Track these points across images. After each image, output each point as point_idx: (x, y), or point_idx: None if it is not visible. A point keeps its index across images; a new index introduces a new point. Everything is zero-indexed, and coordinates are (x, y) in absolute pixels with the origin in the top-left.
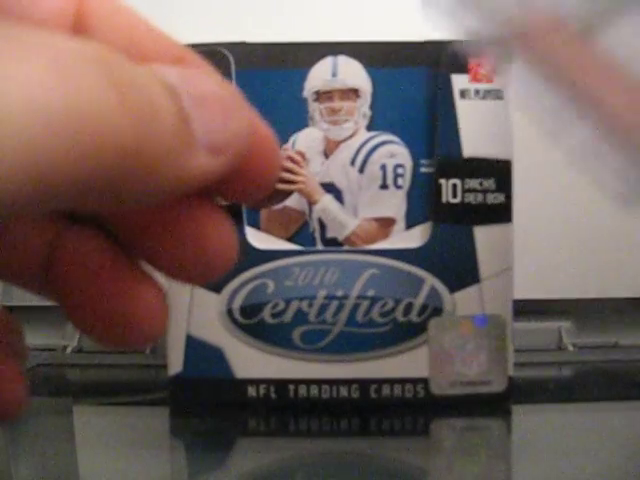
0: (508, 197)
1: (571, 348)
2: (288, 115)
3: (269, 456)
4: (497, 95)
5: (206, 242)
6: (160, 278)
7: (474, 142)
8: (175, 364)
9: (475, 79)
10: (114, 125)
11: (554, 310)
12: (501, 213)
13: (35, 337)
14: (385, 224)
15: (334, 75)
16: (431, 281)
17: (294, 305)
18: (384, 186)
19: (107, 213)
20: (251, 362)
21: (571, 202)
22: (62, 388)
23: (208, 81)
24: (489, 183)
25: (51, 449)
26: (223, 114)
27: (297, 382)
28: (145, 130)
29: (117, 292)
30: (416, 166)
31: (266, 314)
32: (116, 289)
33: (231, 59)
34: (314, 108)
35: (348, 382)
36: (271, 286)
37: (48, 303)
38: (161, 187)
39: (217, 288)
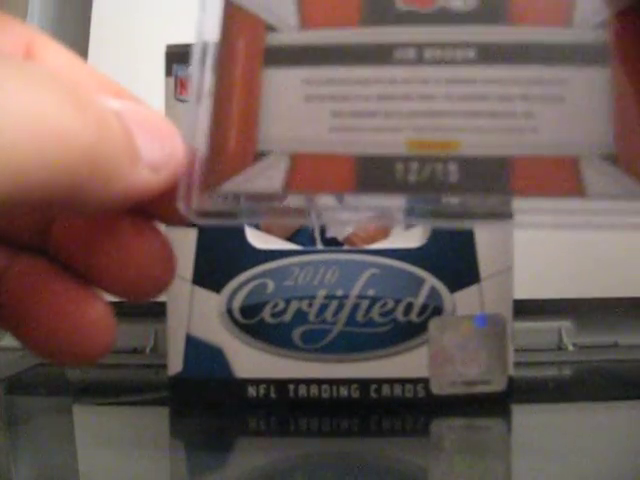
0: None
1: (571, 348)
2: None
3: (269, 456)
4: None
5: (140, 257)
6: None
7: None
8: (175, 364)
9: None
10: (76, 133)
11: (554, 310)
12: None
13: None
14: None
15: None
16: (431, 281)
17: (294, 305)
18: None
19: (59, 229)
20: (251, 362)
21: None
22: (62, 388)
23: (146, 110)
24: None
25: (51, 449)
26: (161, 137)
27: (297, 382)
28: (101, 138)
29: (64, 312)
30: None
31: (266, 314)
32: (63, 309)
33: None
34: None
35: (348, 382)
36: (271, 286)
37: None
38: (112, 195)
39: (217, 288)
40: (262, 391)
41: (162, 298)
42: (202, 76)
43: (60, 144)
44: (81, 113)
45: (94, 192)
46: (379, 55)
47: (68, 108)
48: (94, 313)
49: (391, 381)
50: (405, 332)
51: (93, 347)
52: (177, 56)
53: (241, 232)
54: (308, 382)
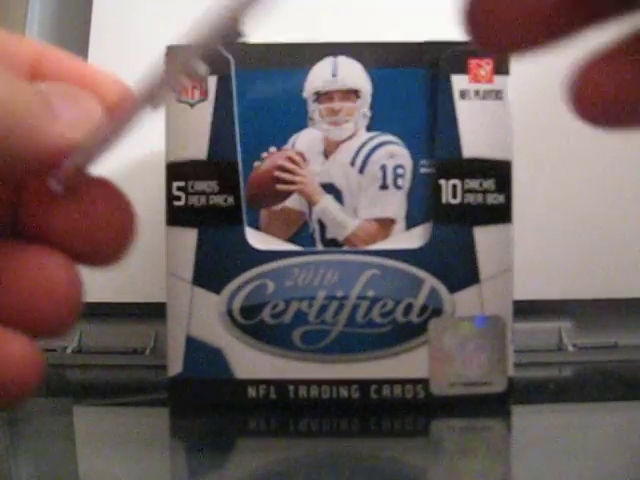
0: (508, 197)
1: (571, 348)
2: (288, 115)
3: (269, 457)
4: (497, 95)
5: (99, 213)
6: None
7: (474, 143)
8: (175, 364)
9: (475, 79)
10: None
11: (554, 310)
12: (501, 213)
13: None
14: (385, 224)
15: (334, 76)
16: (431, 281)
17: (294, 306)
18: (384, 186)
19: None
20: (251, 362)
21: (571, 202)
22: (62, 388)
23: (68, 86)
24: (489, 184)
25: (51, 449)
26: (77, 100)
27: (297, 382)
28: (15, 93)
29: None
30: (416, 166)
31: (266, 315)
32: None
33: (231, 59)
34: (314, 109)
35: (348, 382)
36: (271, 287)
37: None
38: (36, 148)
39: (217, 289)
40: (262, 392)
41: (162, 299)
42: None
43: None
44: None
45: (18, 145)
46: None
47: None
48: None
49: (391, 382)
50: (405, 333)
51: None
52: None
53: (241, 232)
54: (308, 383)
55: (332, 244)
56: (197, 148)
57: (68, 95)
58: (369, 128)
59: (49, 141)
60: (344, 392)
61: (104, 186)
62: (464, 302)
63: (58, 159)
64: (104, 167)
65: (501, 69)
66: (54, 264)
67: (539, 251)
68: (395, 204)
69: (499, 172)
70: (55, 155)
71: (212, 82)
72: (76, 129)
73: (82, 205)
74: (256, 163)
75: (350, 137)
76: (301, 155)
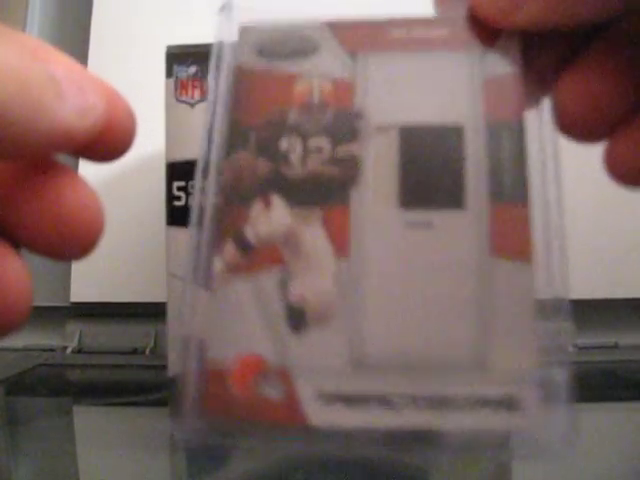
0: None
1: (571, 348)
2: None
3: (269, 455)
4: None
5: (65, 205)
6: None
7: None
8: (175, 365)
9: None
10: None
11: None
12: None
13: (35, 337)
14: None
15: None
16: None
17: None
18: None
19: None
20: None
21: (571, 202)
22: (62, 388)
23: (79, 72)
24: None
25: (51, 449)
26: (85, 90)
27: None
28: (27, 68)
29: None
30: None
31: None
32: None
33: None
34: None
35: None
36: None
37: (48, 303)
38: (40, 131)
39: None
40: None
41: (162, 299)
42: None
43: None
44: (7, 45)
45: (23, 124)
46: None
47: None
48: (9, 271)
49: None
50: None
51: (10, 310)
52: (177, 57)
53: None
54: None
55: None
56: (197, 148)
57: (77, 83)
58: None
59: (54, 125)
60: None
61: (70, 176)
62: None
63: (55, 144)
64: (104, 167)
65: None
66: (11, 269)
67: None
68: None
69: None
70: (53, 140)
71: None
72: (81, 119)
73: (47, 195)
74: None
75: None
76: None
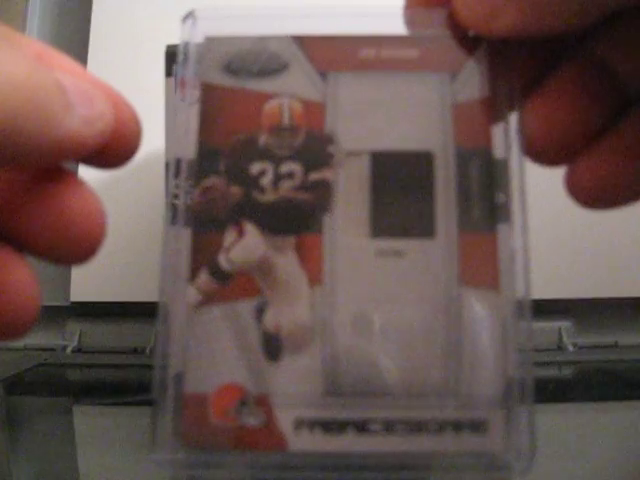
0: (507, 197)
1: (571, 348)
2: None
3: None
4: None
5: (69, 211)
6: None
7: None
8: (175, 364)
9: None
10: (11, 71)
11: (554, 310)
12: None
13: (35, 337)
14: None
15: None
16: None
17: None
18: None
19: None
20: None
21: (571, 202)
22: (62, 388)
23: (85, 82)
24: None
25: (51, 449)
26: (92, 99)
27: None
28: (35, 79)
29: None
30: None
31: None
32: None
33: None
34: None
35: None
36: None
37: (48, 303)
38: (49, 139)
39: None
40: None
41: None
42: None
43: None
44: (15, 53)
45: (32, 134)
46: None
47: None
48: (17, 276)
49: None
50: None
51: (17, 316)
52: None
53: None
54: None
55: None
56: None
57: (84, 92)
58: None
59: (61, 134)
60: None
61: (75, 183)
62: None
63: (63, 154)
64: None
65: None
66: (19, 276)
67: (539, 251)
68: None
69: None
70: (62, 149)
71: None
72: (88, 128)
73: (52, 201)
74: None
75: None
76: None
